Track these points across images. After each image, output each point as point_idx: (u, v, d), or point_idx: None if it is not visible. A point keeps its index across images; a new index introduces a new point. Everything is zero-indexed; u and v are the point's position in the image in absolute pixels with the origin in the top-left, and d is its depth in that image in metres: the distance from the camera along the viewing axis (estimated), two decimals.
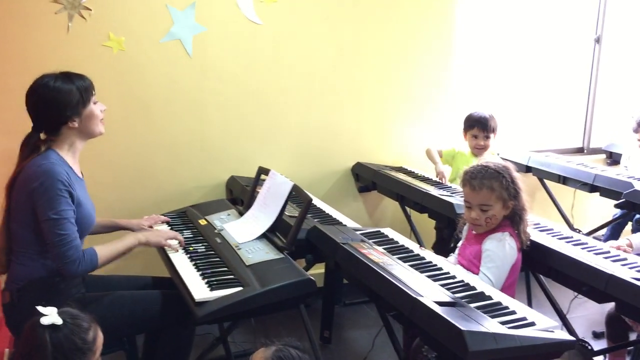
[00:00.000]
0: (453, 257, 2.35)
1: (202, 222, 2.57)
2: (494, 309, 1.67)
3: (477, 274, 2.10)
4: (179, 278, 2.04)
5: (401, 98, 3.56)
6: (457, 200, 2.67)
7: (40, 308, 1.41)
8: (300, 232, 2.27)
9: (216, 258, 2.20)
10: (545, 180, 3.71)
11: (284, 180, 2.42)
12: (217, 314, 1.84)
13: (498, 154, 3.54)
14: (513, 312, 1.66)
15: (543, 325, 1.58)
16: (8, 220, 1.98)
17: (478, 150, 3.28)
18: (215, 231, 2.44)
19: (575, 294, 2.76)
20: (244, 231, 2.39)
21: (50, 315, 1.40)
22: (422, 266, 1.98)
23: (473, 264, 2.17)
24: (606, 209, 3.63)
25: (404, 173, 3.36)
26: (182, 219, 2.66)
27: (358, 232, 2.31)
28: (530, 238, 2.21)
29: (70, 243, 1.90)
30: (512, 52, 3.91)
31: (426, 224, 3.25)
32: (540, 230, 2.41)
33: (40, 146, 2.00)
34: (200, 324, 1.91)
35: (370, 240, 2.20)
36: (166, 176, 3.12)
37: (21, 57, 2.74)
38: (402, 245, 2.20)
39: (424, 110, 3.62)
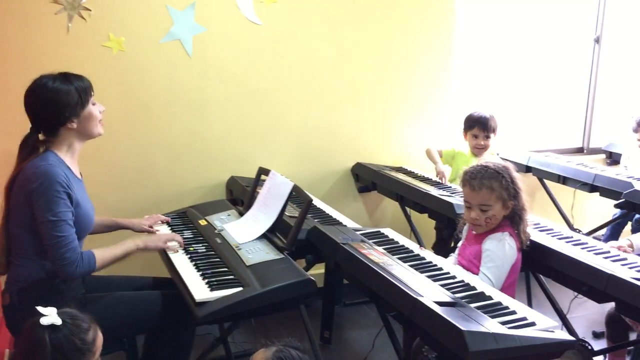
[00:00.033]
0: (453, 257, 2.35)
1: (203, 222, 2.57)
2: (494, 309, 1.67)
3: (477, 274, 2.10)
4: (180, 278, 2.04)
5: (401, 98, 3.56)
6: (457, 200, 2.67)
7: (39, 308, 1.41)
8: (301, 232, 2.27)
9: (216, 258, 2.20)
10: (545, 180, 3.71)
11: (284, 180, 2.42)
12: (218, 314, 1.84)
13: (498, 154, 3.54)
14: (513, 312, 1.66)
15: (543, 325, 1.58)
16: (7, 221, 1.98)
17: (478, 150, 3.28)
18: (216, 231, 2.44)
19: (575, 293, 2.77)
20: (244, 231, 2.39)
21: (49, 316, 1.40)
22: (422, 266, 1.98)
23: (473, 264, 2.17)
24: (606, 209, 3.63)
25: (404, 173, 3.36)
26: (182, 219, 2.66)
27: (358, 233, 2.31)
28: (530, 238, 2.21)
29: (68, 245, 1.89)
30: (512, 52, 3.92)
31: (426, 224, 3.26)
32: (540, 230, 2.41)
33: (39, 147, 1.99)
34: (201, 324, 1.91)
35: (371, 241, 2.21)
36: (166, 176, 3.12)
37: (21, 57, 2.74)
38: (402, 246, 2.20)
39: (423, 111, 3.62)
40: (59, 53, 2.79)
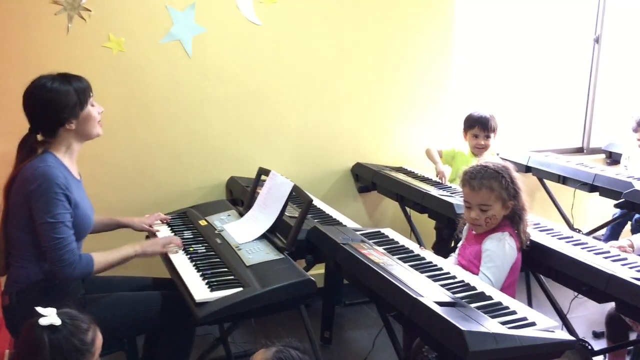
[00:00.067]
0: (453, 257, 2.35)
1: (203, 222, 2.57)
2: (495, 309, 1.67)
3: (476, 274, 2.10)
4: (180, 279, 2.04)
5: (401, 98, 3.56)
6: (457, 200, 2.67)
7: (39, 309, 1.41)
8: (301, 232, 2.27)
9: (216, 259, 2.20)
10: (545, 180, 3.71)
11: (284, 180, 2.42)
12: (218, 315, 1.84)
13: (498, 154, 3.55)
14: (513, 312, 1.66)
15: (543, 325, 1.58)
16: (6, 222, 1.98)
17: (478, 150, 3.28)
18: (216, 232, 2.44)
19: (576, 293, 2.76)
20: (244, 232, 2.39)
21: (48, 316, 1.40)
22: (422, 266, 1.98)
23: (473, 264, 2.17)
24: (606, 209, 3.63)
25: (404, 173, 3.36)
26: (182, 219, 2.66)
27: (358, 233, 2.31)
28: (530, 238, 2.21)
29: (66, 247, 1.89)
30: (512, 52, 3.92)
31: (426, 224, 3.25)
32: (540, 230, 2.41)
33: (37, 148, 1.99)
34: (201, 325, 1.91)
35: (371, 241, 2.21)
36: (166, 177, 3.13)
37: (21, 58, 2.74)
38: (402, 246, 2.20)
39: (423, 110, 3.62)
40: (59, 53, 2.79)
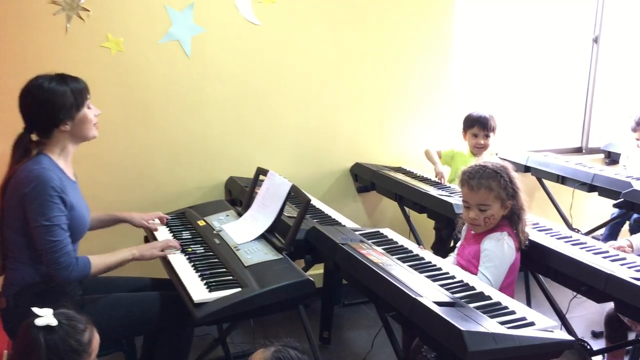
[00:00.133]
0: (452, 257, 2.35)
1: (201, 223, 2.56)
2: (494, 309, 1.67)
3: (475, 274, 2.10)
4: (178, 279, 2.04)
5: (400, 98, 3.56)
6: (456, 200, 2.67)
7: (35, 309, 1.41)
8: (299, 232, 2.27)
9: (215, 259, 2.19)
10: (544, 180, 3.71)
11: (283, 180, 2.42)
12: (216, 315, 1.84)
13: (497, 154, 3.55)
14: (512, 312, 1.66)
15: (542, 325, 1.58)
16: (1, 224, 1.97)
17: (478, 150, 3.28)
18: (214, 232, 2.44)
19: (574, 293, 2.77)
20: (243, 232, 2.39)
21: (45, 317, 1.40)
22: (422, 266, 1.98)
23: (472, 264, 2.17)
24: (605, 209, 3.63)
25: (403, 173, 3.36)
26: (180, 219, 2.65)
27: (357, 233, 2.31)
28: (529, 238, 2.21)
29: (63, 249, 1.89)
30: (511, 52, 3.92)
31: (425, 224, 3.26)
32: (539, 230, 2.41)
33: (32, 149, 1.97)
34: (199, 325, 1.91)
35: (370, 241, 2.20)
36: (165, 177, 3.12)
37: (19, 58, 2.74)
38: (401, 246, 2.20)
39: (422, 111, 3.62)
40: (58, 54, 2.78)
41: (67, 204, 1.93)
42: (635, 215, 3.49)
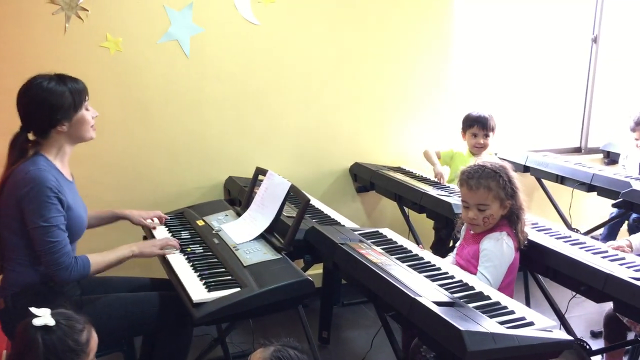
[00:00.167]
0: (451, 257, 2.35)
1: (200, 222, 2.56)
2: (493, 309, 1.67)
3: (475, 273, 2.10)
4: (177, 279, 2.04)
5: (399, 98, 3.56)
6: (455, 200, 2.67)
7: (33, 309, 1.40)
8: (299, 232, 2.27)
9: (214, 259, 2.19)
10: (543, 180, 3.71)
11: (282, 180, 2.42)
12: (215, 315, 1.84)
13: (496, 154, 3.55)
14: (512, 312, 1.66)
15: (541, 325, 1.58)
16: None
17: (477, 149, 3.28)
18: (213, 232, 2.44)
19: (574, 293, 2.76)
20: (242, 232, 2.39)
21: (42, 317, 1.39)
22: (421, 266, 1.98)
23: (471, 264, 2.17)
24: (604, 209, 3.63)
25: (402, 173, 3.36)
26: (179, 219, 2.65)
27: (356, 233, 2.31)
28: (528, 238, 2.21)
29: (62, 250, 1.89)
30: (510, 52, 3.92)
31: (424, 224, 3.26)
32: (538, 230, 2.42)
33: (28, 149, 1.96)
34: (198, 325, 1.91)
35: (369, 241, 2.20)
36: (164, 177, 3.12)
37: (18, 58, 2.73)
38: (401, 246, 2.20)
39: (422, 110, 3.62)
40: (56, 53, 2.78)
41: (65, 205, 1.92)
42: (634, 215, 3.50)
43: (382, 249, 2.13)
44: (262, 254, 2.17)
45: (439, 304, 1.62)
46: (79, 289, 2.07)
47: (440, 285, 1.80)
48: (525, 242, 2.19)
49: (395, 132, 3.59)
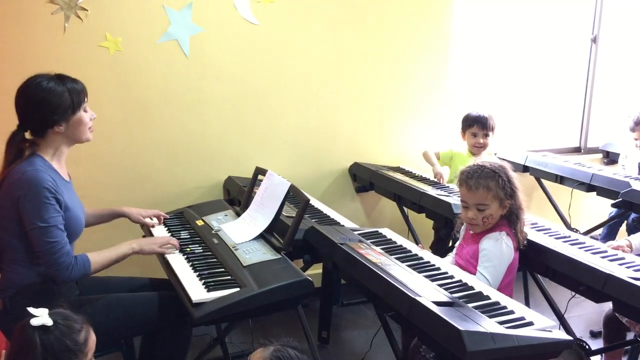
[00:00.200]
0: (450, 257, 2.35)
1: (199, 222, 2.56)
2: (492, 309, 1.67)
3: (474, 273, 2.10)
4: (176, 279, 2.04)
5: (399, 98, 3.56)
6: (455, 200, 2.67)
7: (31, 309, 1.40)
8: (298, 232, 2.26)
9: (213, 259, 2.19)
10: (543, 180, 3.71)
11: (281, 180, 2.42)
12: (215, 315, 1.84)
13: (495, 154, 3.55)
14: (511, 312, 1.66)
15: (541, 325, 1.58)
16: None
17: (477, 149, 3.28)
18: (213, 232, 2.43)
19: (573, 293, 2.76)
20: (241, 232, 2.39)
21: (40, 317, 1.39)
22: (420, 266, 1.98)
23: (470, 264, 2.17)
24: (603, 209, 3.64)
25: (402, 173, 3.36)
26: (179, 219, 2.65)
27: (356, 233, 2.31)
28: (528, 237, 2.21)
29: (61, 250, 1.88)
30: (510, 52, 3.92)
31: (424, 224, 3.26)
32: (538, 230, 2.41)
33: (25, 150, 1.96)
34: (198, 325, 1.91)
35: (368, 241, 2.20)
36: (163, 177, 3.12)
37: (17, 57, 2.73)
38: (400, 246, 2.20)
39: (421, 110, 3.62)
40: (56, 53, 2.78)
41: (62, 205, 1.92)
42: (633, 215, 3.50)
43: (382, 249, 2.13)
44: (261, 253, 2.17)
45: (438, 304, 1.62)
46: (77, 289, 2.07)
47: (440, 285, 1.80)
48: (525, 242, 2.19)
49: (394, 132, 3.59)
